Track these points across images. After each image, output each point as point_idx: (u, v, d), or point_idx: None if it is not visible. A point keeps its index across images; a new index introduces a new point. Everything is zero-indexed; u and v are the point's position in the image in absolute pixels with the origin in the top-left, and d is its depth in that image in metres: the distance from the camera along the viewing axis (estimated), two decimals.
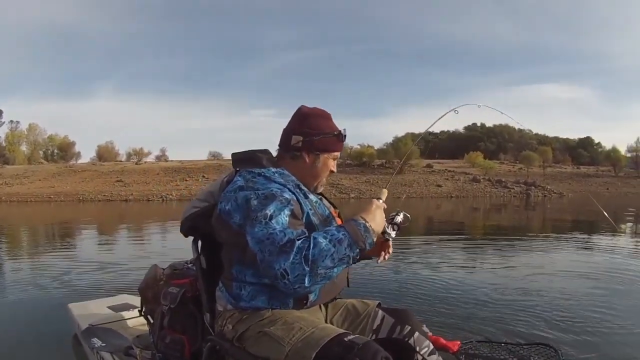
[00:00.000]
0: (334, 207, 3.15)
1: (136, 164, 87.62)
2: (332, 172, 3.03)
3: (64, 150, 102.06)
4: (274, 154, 3.00)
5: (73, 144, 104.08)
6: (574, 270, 10.19)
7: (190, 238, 3.21)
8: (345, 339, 2.42)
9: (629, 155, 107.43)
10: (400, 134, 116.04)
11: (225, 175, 2.96)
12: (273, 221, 2.42)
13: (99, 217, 30.30)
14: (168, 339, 3.17)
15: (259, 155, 2.89)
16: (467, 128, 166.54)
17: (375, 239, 2.55)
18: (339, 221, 2.99)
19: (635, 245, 15.88)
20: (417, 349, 2.80)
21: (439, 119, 3.61)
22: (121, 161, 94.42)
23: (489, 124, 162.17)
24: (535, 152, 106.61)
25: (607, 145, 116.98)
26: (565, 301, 7.35)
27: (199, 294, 3.12)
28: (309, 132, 2.86)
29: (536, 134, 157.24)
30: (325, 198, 3.12)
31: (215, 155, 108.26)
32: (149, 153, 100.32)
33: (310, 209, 2.71)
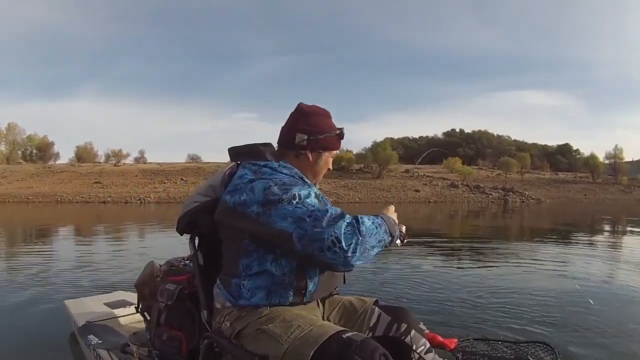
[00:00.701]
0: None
1: (115, 165, 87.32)
2: (329, 169, 3.09)
3: (42, 151, 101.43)
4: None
5: (52, 144, 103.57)
6: (558, 271, 10.53)
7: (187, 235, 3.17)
8: (344, 336, 2.42)
9: (607, 162, 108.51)
10: (379, 139, 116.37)
11: (227, 169, 2.94)
12: (308, 200, 2.49)
13: (79, 219, 29.97)
14: (165, 336, 3.15)
15: (261, 149, 2.91)
16: (446, 134, 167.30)
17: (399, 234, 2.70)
18: None
19: (612, 248, 16.45)
20: (414, 347, 2.83)
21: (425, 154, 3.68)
22: (100, 162, 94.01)
23: (467, 129, 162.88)
24: (513, 158, 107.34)
25: (586, 152, 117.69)
26: (549, 299, 7.56)
27: (196, 290, 3.09)
28: (313, 131, 2.89)
29: (515, 140, 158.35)
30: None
31: (194, 158, 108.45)
32: (128, 155, 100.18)
33: (316, 200, 2.70)
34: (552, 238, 19.28)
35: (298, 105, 3.01)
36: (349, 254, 2.33)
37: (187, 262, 3.46)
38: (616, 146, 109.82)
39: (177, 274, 3.35)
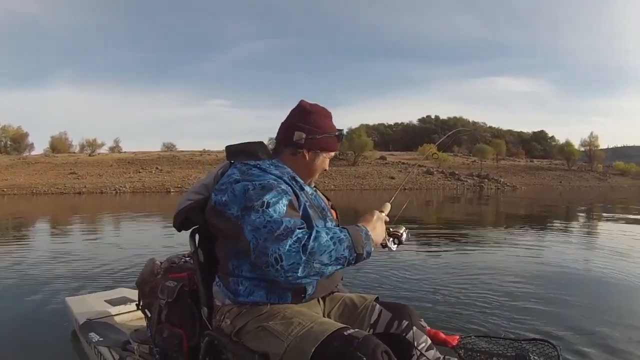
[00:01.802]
0: (327, 199, 3.17)
1: (89, 155, 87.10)
2: (325, 170, 3.07)
3: (17, 142, 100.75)
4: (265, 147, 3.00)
5: (26, 135, 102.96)
6: (537, 258, 10.92)
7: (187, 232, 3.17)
8: (345, 333, 2.41)
9: (582, 149, 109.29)
10: (355, 125, 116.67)
11: (220, 168, 2.95)
12: (270, 209, 2.42)
13: (58, 212, 29.72)
14: (166, 333, 3.16)
15: (254, 148, 2.91)
16: (421, 120, 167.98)
17: (373, 249, 2.56)
18: (334, 213, 3.05)
19: (589, 235, 16.88)
20: (415, 344, 2.80)
21: (445, 137, 3.73)
22: (74, 153, 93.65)
23: (443, 115, 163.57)
24: (489, 145, 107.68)
25: (561, 139, 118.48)
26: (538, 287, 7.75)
27: (197, 288, 3.08)
28: (313, 130, 2.87)
29: (490, 127, 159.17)
30: (318, 190, 3.14)
31: (169, 147, 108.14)
32: (103, 144, 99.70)
33: (307, 201, 2.73)
34: (526, 224, 19.76)
35: (300, 102, 2.99)
36: (289, 274, 2.30)
37: (187, 259, 3.46)
38: (591, 133, 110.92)
39: (178, 271, 3.36)
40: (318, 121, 2.91)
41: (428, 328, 3.04)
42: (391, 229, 3.00)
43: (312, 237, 2.33)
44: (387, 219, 2.93)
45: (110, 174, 66.58)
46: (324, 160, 2.99)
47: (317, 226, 2.56)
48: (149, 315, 3.59)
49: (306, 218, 2.63)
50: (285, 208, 2.47)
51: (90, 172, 67.18)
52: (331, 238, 2.37)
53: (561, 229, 18.31)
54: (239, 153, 2.91)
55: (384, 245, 2.88)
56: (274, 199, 2.46)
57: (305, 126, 2.87)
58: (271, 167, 2.76)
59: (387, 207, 3.07)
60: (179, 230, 3.14)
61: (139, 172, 68.87)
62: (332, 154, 3.04)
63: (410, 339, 2.81)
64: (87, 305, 5.35)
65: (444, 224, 20.72)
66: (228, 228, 2.56)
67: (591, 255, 11.73)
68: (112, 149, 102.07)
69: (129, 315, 4.95)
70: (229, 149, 2.99)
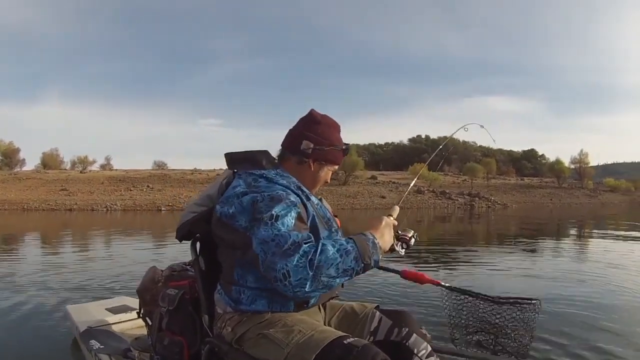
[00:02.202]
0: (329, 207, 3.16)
1: (81, 172, 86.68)
2: (326, 182, 3.08)
3: (8, 157, 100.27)
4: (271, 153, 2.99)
5: (18, 150, 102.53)
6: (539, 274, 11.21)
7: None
8: (345, 341, 2.42)
9: (572, 166, 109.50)
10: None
11: (224, 178, 2.94)
12: (279, 222, 2.41)
13: (49, 228, 29.68)
14: (166, 341, 3.16)
15: (258, 156, 2.89)
16: (411, 140, 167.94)
17: (381, 257, 2.53)
18: (338, 222, 3.02)
19: (580, 250, 17.40)
20: (415, 351, 2.79)
21: (452, 135, 3.75)
22: (66, 169, 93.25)
23: (433, 135, 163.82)
24: (479, 163, 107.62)
25: (551, 157, 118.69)
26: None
27: (198, 296, 3.08)
28: (321, 141, 2.88)
29: (480, 146, 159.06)
30: (324, 200, 3.13)
31: (160, 165, 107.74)
32: (94, 161, 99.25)
33: (313, 211, 2.72)
34: (519, 243, 19.66)
35: (310, 111, 3.00)
36: (297, 289, 2.29)
37: (188, 267, 3.46)
38: (581, 151, 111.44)
39: (179, 279, 3.35)
40: (327, 132, 2.93)
41: (428, 335, 2.99)
42: (400, 232, 3.00)
43: (318, 251, 2.31)
44: (396, 223, 2.91)
45: (102, 192, 66.20)
46: (327, 172, 3.00)
47: (323, 238, 2.57)
48: (150, 323, 3.58)
49: (313, 228, 2.65)
50: (293, 221, 2.46)
51: (81, 189, 66.74)
52: (338, 250, 2.35)
53: (553, 246, 18.64)
54: (242, 161, 2.90)
55: (392, 250, 2.87)
56: (282, 212, 2.45)
57: (314, 136, 2.88)
58: (277, 176, 2.74)
59: (396, 210, 3.09)
60: (181, 241, 3.15)
61: (130, 190, 68.48)
62: (336, 167, 3.05)
63: (410, 346, 2.80)
64: (88, 313, 5.35)
65: (436, 242, 20.70)
66: (236, 239, 2.55)
67: (584, 268, 12.09)
68: (103, 167, 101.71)
69: (130, 323, 4.97)
70: (230, 156, 2.99)
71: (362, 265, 2.41)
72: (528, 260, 13.82)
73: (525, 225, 30.85)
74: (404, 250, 2.97)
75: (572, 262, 13.73)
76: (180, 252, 14.00)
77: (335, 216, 3.10)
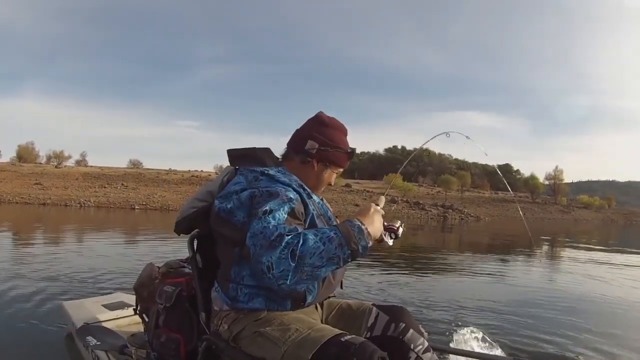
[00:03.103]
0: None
1: (56, 167, 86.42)
2: (329, 184, 3.08)
3: None
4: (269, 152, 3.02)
5: None
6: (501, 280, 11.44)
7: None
8: (342, 339, 2.42)
9: (546, 182, 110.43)
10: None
11: (225, 174, 2.96)
12: (270, 216, 2.41)
13: (25, 220, 29.39)
14: (163, 338, 3.15)
15: (260, 153, 2.92)
16: (387, 150, 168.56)
17: (370, 243, 2.43)
18: (338, 222, 2.96)
19: (552, 262, 18.35)
20: (412, 346, 2.78)
21: (431, 139, 3.73)
22: (41, 163, 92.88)
23: (409, 147, 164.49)
24: (454, 176, 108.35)
25: (526, 172, 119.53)
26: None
27: (195, 293, 3.09)
28: (326, 142, 2.89)
29: (456, 159, 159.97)
30: (325, 200, 3.14)
31: (135, 164, 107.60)
32: (70, 157, 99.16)
33: (314, 209, 2.73)
34: (485, 252, 20.50)
35: (318, 113, 3.02)
36: (280, 282, 2.27)
37: (185, 264, 3.45)
38: (556, 167, 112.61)
39: (176, 276, 3.35)
40: (332, 135, 2.93)
41: (425, 331, 2.95)
42: (386, 224, 2.97)
43: (300, 242, 2.28)
44: (383, 212, 2.85)
45: (76, 187, 65.81)
46: (330, 174, 3.01)
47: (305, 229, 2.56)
48: (147, 319, 3.59)
49: (313, 227, 2.64)
50: (285, 216, 2.46)
51: (55, 183, 66.43)
52: (320, 239, 2.31)
53: (524, 257, 18.98)
54: (244, 158, 2.92)
55: (380, 240, 2.86)
56: (276, 206, 2.45)
57: (319, 137, 2.89)
58: (278, 174, 2.75)
59: (382, 200, 3.05)
60: (179, 235, 3.16)
61: (105, 187, 68.15)
62: (340, 170, 3.05)
63: (407, 342, 2.79)
64: (84, 309, 5.33)
65: (409, 250, 20.82)
66: (234, 235, 2.57)
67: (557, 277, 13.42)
68: (78, 162, 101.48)
69: (127, 319, 4.96)
70: (232, 153, 3.01)
71: (349, 252, 2.34)
72: (496, 268, 14.44)
73: (498, 237, 31.11)
74: (392, 240, 2.98)
75: (544, 270, 15.04)
76: (170, 249, 14.09)
77: (337, 217, 3.11)
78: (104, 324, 4.81)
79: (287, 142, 3.06)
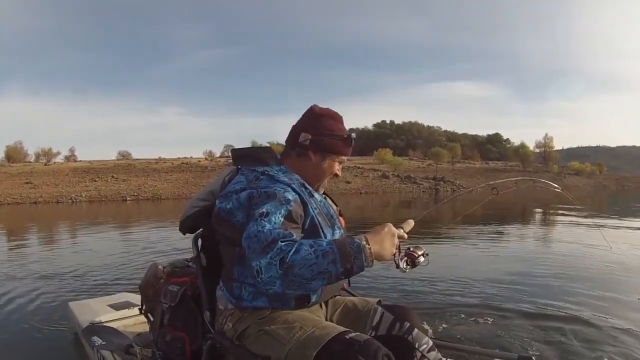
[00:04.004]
0: (336, 205, 3.16)
1: (45, 164, 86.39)
2: (336, 175, 3.02)
3: None
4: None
5: None
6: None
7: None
8: (347, 337, 2.42)
9: (537, 150, 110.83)
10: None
11: (227, 174, 2.96)
12: (265, 219, 2.39)
13: (20, 221, 29.49)
14: (168, 337, 3.16)
15: (261, 153, 2.89)
16: (376, 125, 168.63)
17: (370, 264, 2.35)
18: (342, 220, 3.01)
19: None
20: (416, 345, 2.77)
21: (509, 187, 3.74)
22: (30, 162, 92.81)
23: (398, 120, 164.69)
24: (444, 148, 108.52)
25: (516, 141, 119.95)
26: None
27: (200, 292, 3.10)
28: (319, 132, 2.85)
29: (445, 131, 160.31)
30: (328, 196, 3.14)
31: (124, 155, 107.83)
32: (58, 153, 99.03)
33: (315, 208, 2.71)
34: (481, 223, 20.23)
35: (311, 106, 2.99)
36: (268, 287, 2.28)
37: (190, 263, 3.46)
38: (546, 135, 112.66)
39: (180, 275, 3.36)
40: (325, 123, 2.89)
41: (430, 330, 3.02)
42: (411, 248, 2.97)
43: (292, 250, 2.24)
44: (406, 236, 2.80)
45: (66, 183, 65.90)
46: (331, 163, 2.93)
47: (325, 237, 2.61)
48: (152, 319, 3.58)
49: (313, 227, 2.64)
50: (281, 219, 2.44)
51: (46, 181, 66.38)
52: (315, 251, 2.25)
53: (517, 228, 19.70)
54: (246, 158, 2.91)
55: (397, 266, 2.78)
56: (272, 209, 2.44)
57: (312, 128, 2.86)
58: (279, 173, 2.75)
59: (410, 224, 2.99)
60: (185, 234, 3.17)
61: (95, 181, 68.20)
62: (343, 157, 2.99)
63: (412, 341, 2.78)
64: (89, 309, 5.36)
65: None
66: (234, 235, 2.56)
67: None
68: (67, 158, 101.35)
69: (132, 319, 4.97)
70: (235, 153, 3.00)
71: (342, 269, 2.28)
72: (490, 241, 14.71)
73: (491, 208, 31.25)
74: (408, 267, 2.91)
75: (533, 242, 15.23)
76: (169, 245, 14.05)
77: (341, 215, 3.09)
78: (109, 324, 4.82)
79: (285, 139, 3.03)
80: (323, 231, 2.67)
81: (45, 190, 60.41)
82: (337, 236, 2.74)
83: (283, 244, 2.28)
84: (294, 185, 2.68)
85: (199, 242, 3.16)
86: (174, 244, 13.44)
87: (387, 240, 2.46)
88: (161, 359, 3.25)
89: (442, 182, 75.37)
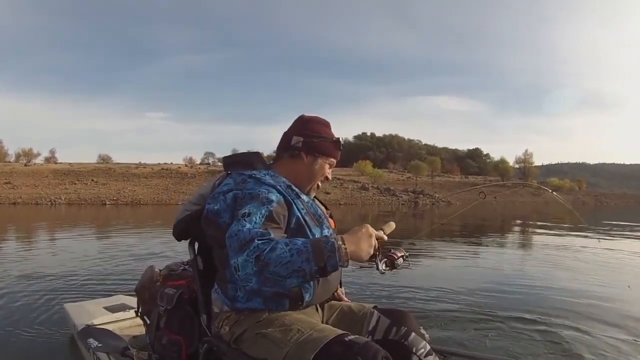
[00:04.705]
0: (326, 208, 3.23)
1: (25, 165, 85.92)
2: (327, 178, 3.08)
3: None
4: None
5: None
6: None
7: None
8: (346, 339, 2.42)
9: (517, 166, 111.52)
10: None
11: (217, 178, 2.99)
12: (247, 219, 2.43)
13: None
14: (165, 340, 3.16)
15: (250, 158, 2.94)
16: (356, 137, 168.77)
17: (345, 264, 2.36)
18: (331, 222, 3.05)
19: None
20: (414, 350, 2.77)
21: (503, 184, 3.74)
22: (10, 162, 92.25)
23: (379, 133, 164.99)
24: (424, 161, 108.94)
25: (496, 156, 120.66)
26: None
27: (196, 295, 3.11)
28: (310, 134, 2.94)
29: (425, 144, 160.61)
30: (318, 200, 3.19)
31: (104, 159, 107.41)
32: (39, 154, 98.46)
33: (302, 208, 2.74)
34: (462, 237, 20.71)
35: (300, 115, 3.08)
36: (245, 284, 2.40)
37: (186, 266, 3.47)
38: (526, 151, 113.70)
39: (177, 278, 3.37)
40: (315, 127, 3.00)
41: (427, 335, 2.94)
42: (392, 250, 3.03)
43: (268, 249, 2.27)
44: (385, 238, 2.89)
45: (46, 185, 65.63)
46: (322, 165, 3.01)
47: (312, 236, 2.63)
48: (148, 322, 3.58)
49: (300, 227, 2.67)
50: (262, 219, 2.46)
51: (25, 182, 66.09)
52: (290, 250, 2.27)
53: (495, 240, 20.08)
54: (236, 163, 2.93)
55: (376, 267, 2.88)
56: (254, 210, 2.48)
57: (304, 131, 2.96)
58: (266, 176, 2.78)
59: (391, 226, 3.10)
60: (179, 240, 3.16)
61: (75, 184, 68.01)
62: (332, 160, 3.06)
63: (409, 345, 2.78)
64: (85, 311, 5.35)
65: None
66: (220, 236, 2.57)
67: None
68: (47, 159, 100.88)
69: (128, 322, 4.97)
70: (225, 160, 3.03)
71: (316, 268, 2.29)
72: (465, 253, 15.02)
73: (469, 221, 31.33)
74: (387, 268, 2.98)
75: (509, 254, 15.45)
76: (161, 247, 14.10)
77: (330, 217, 3.15)
78: (105, 326, 4.81)
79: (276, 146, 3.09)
80: (311, 231, 2.70)
81: (24, 191, 60.13)
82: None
83: (260, 242, 2.31)
84: (279, 187, 2.72)
85: (196, 245, 3.18)
86: (172, 248, 13.40)
87: (363, 241, 2.47)
88: None
89: (421, 195, 75.59)
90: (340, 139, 3.09)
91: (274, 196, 2.61)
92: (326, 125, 3.09)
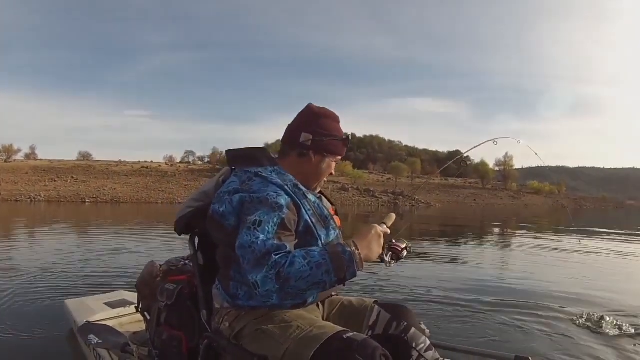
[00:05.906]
0: (332, 204, 3.18)
1: (5, 161, 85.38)
2: (331, 174, 3.04)
3: None
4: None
5: None
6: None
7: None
8: (344, 336, 2.41)
9: (497, 169, 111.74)
10: (271, 141, 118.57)
11: (221, 175, 2.96)
12: (259, 229, 2.41)
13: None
14: (165, 336, 3.16)
15: (255, 153, 2.87)
16: None
17: (362, 269, 2.42)
18: (337, 219, 2.99)
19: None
20: (414, 344, 2.77)
21: (477, 146, 3.71)
22: None
23: (359, 134, 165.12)
24: (404, 163, 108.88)
25: (476, 159, 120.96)
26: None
27: (196, 290, 3.10)
28: (320, 132, 2.85)
29: (406, 146, 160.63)
30: (324, 195, 3.15)
31: (85, 156, 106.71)
32: (19, 150, 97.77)
33: (309, 209, 2.70)
34: (441, 238, 20.79)
35: (308, 105, 2.97)
36: (265, 299, 2.35)
37: (187, 262, 3.48)
38: (506, 154, 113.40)
39: (177, 273, 3.38)
40: (325, 124, 2.89)
41: (427, 330, 2.96)
42: (393, 242, 3.04)
43: (287, 263, 2.29)
44: (389, 231, 2.85)
45: (26, 182, 65.20)
46: (329, 164, 2.95)
47: (319, 238, 2.63)
48: (149, 317, 3.58)
49: (308, 229, 2.64)
50: (274, 228, 2.45)
51: (5, 179, 65.40)
52: (308, 263, 2.30)
53: (473, 243, 20.17)
54: (240, 158, 2.89)
55: (382, 259, 2.86)
56: (265, 217, 2.45)
57: (313, 128, 2.85)
58: (273, 174, 2.73)
59: (392, 218, 3.03)
60: (180, 235, 3.15)
61: (55, 181, 67.65)
62: (339, 158, 3.01)
63: (409, 340, 2.78)
64: (86, 307, 5.33)
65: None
66: (226, 238, 2.58)
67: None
68: (27, 156, 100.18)
69: (128, 317, 4.96)
70: (230, 153, 2.98)
71: (336, 279, 2.35)
72: (465, 252, 15.58)
73: (449, 223, 31.46)
74: (393, 261, 3.00)
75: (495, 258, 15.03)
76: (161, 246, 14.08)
77: (336, 214, 3.10)
78: (105, 322, 4.78)
79: (281, 139, 3.03)
80: (317, 232, 2.67)
81: (4, 187, 59.62)
82: (332, 237, 2.75)
83: (277, 257, 2.31)
84: (286, 187, 2.68)
85: (196, 240, 3.16)
86: (168, 244, 13.69)
87: (374, 243, 2.58)
88: (158, 358, 3.24)
89: (401, 197, 75.58)
90: (349, 136, 3.06)
91: (283, 199, 2.57)
92: (336, 120, 3.00)
